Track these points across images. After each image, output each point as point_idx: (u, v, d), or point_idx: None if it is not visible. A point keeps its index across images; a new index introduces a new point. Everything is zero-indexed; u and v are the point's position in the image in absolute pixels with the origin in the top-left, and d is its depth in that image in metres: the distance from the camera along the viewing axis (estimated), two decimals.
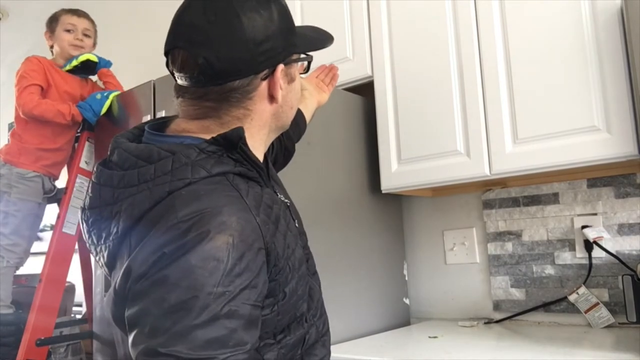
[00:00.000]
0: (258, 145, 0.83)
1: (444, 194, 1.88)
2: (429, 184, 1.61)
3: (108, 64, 2.14)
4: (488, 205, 1.78)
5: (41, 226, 2.19)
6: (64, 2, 2.29)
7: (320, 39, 0.92)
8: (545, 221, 1.66)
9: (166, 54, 0.79)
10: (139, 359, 0.63)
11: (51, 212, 2.11)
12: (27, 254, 2.05)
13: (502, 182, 1.70)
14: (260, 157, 0.85)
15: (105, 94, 1.94)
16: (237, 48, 0.74)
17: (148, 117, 1.68)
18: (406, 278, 1.91)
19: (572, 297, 1.56)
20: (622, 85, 1.28)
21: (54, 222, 2.00)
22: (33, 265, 2.12)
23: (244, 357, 0.65)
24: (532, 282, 1.67)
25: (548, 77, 1.39)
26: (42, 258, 1.91)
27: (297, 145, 1.30)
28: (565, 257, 1.62)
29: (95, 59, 2.09)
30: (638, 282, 1.37)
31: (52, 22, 2.12)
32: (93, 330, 1.82)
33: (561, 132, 1.36)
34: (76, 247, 1.97)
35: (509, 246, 1.73)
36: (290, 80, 0.84)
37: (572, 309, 1.57)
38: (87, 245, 0.77)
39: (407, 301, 1.88)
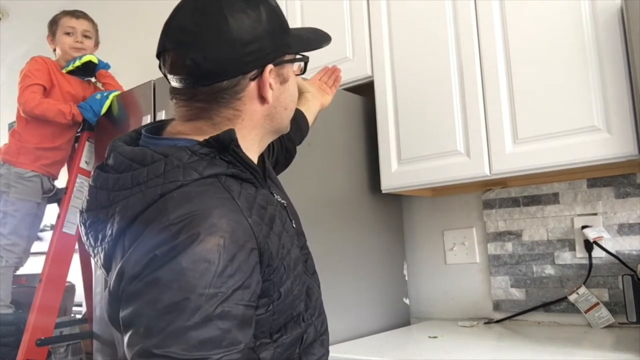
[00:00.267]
0: (250, 146, 0.83)
1: (444, 194, 1.88)
2: (429, 184, 1.61)
3: (107, 66, 2.14)
4: (488, 205, 1.78)
5: (41, 226, 2.20)
6: (64, 2, 2.29)
7: (315, 39, 0.91)
8: (545, 221, 1.66)
9: (158, 56, 0.81)
10: (134, 359, 0.64)
11: (51, 212, 2.11)
12: (26, 253, 2.05)
13: (502, 182, 1.70)
14: (255, 159, 0.85)
15: (105, 94, 1.94)
16: (223, 49, 0.76)
17: (148, 117, 1.68)
18: (406, 278, 1.90)
19: (572, 297, 1.56)
20: (622, 85, 1.27)
21: (54, 222, 2.00)
22: (33, 265, 2.12)
23: (238, 357, 0.65)
24: (532, 282, 1.67)
25: (548, 77, 1.39)
26: (42, 258, 1.91)
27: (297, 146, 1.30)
28: (565, 257, 1.62)
29: (95, 61, 2.10)
30: (638, 282, 1.37)
31: (53, 25, 2.13)
32: (93, 330, 1.82)
33: (561, 132, 1.36)
34: (76, 247, 1.97)
35: (509, 246, 1.73)
36: (283, 80, 0.84)
37: (572, 309, 1.57)
38: (86, 247, 0.78)
39: (407, 301, 1.88)
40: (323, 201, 1.61)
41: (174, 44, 0.77)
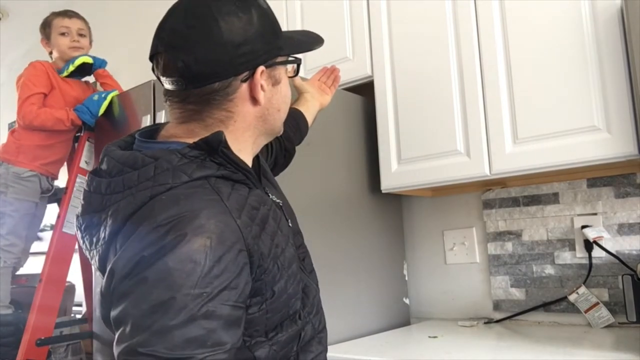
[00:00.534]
0: (244, 147, 0.84)
1: (444, 194, 1.88)
2: (429, 184, 1.61)
3: (103, 63, 2.12)
4: (488, 205, 1.78)
5: (41, 226, 2.19)
6: (64, 2, 2.29)
7: (306, 41, 0.92)
8: (545, 221, 1.66)
9: (150, 59, 0.82)
10: (120, 358, 0.65)
11: (51, 212, 2.11)
12: (25, 254, 2.05)
13: (502, 182, 1.70)
14: (249, 160, 0.85)
15: (103, 95, 1.93)
16: (214, 51, 0.77)
17: (148, 117, 1.68)
18: (406, 278, 1.91)
19: (572, 297, 1.56)
20: (622, 85, 1.27)
21: (54, 222, 2.00)
22: (33, 265, 2.12)
23: (223, 357, 0.66)
24: (532, 282, 1.67)
25: (548, 77, 1.39)
26: (42, 258, 1.91)
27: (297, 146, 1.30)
28: (565, 257, 1.62)
29: (90, 61, 2.08)
30: (638, 282, 1.37)
31: (46, 28, 2.11)
32: (93, 330, 1.82)
33: (561, 132, 1.36)
34: (76, 247, 1.97)
35: (509, 246, 1.73)
36: (275, 82, 0.85)
37: (572, 308, 1.57)
38: (83, 251, 0.79)
39: (407, 301, 1.88)
40: (323, 201, 1.61)
41: (166, 47, 0.78)
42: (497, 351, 1.33)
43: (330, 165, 1.66)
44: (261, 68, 0.81)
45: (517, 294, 1.70)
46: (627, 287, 1.39)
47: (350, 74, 1.76)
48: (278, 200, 0.91)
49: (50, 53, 2.13)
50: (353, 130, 1.76)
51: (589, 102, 1.32)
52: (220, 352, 0.65)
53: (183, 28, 0.78)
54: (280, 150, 1.23)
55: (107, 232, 0.72)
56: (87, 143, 2.01)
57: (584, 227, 1.57)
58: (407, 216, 1.97)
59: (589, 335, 1.43)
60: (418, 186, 1.63)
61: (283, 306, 0.78)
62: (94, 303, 1.84)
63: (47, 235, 2.13)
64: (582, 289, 1.54)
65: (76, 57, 2.05)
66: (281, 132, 0.92)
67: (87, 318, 2.02)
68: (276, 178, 1.25)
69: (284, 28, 0.97)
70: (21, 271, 2.08)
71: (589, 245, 1.55)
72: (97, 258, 0.75)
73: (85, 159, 2.00)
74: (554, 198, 1.65)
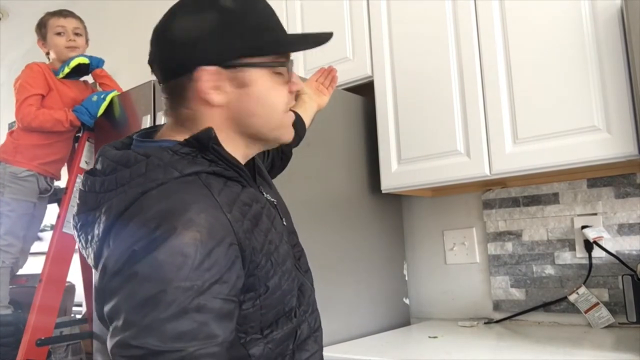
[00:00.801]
0: (233, 149, 0.82)
1: (444, 194, 1.88)
2: (428, 184, 1.61)
3: (100, 62, 2.11)
4: (488, 205, 1.78)
5: (41, 226, 2.19)
6: (64, 2, 2.29)
7: (288, 42, 0.87)
8: (545, 221, 1.66)
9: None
10: (113, 351, 0.66)
11: (51, 212, 2.11)
12: (24, 254, 2.04)
13: (502, 182, 1.70)
14: (241, 161, 0.85)
15: (102, 96, 1.93)
16: (167, 48, 0.81)
17: (148, 118, 1.67)
18: (406, 278, 1.91)
19: (572, 297, 1.56)
20: (622, 85, 1.27)
21: (54, 222, 2.00)
22: (33, 265, 2.12)
23: (215, 350, 0.66)
24: (532, 282, 1.67)
25: (548, 77, 1.39)
26: (42, 258, 1.91)
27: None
28: (565, 257, 1.62)
29: (86, 61, 2.06)
30: (638, 282, 1.37)
31: (41, 28, 2.10)
32: (93, 330, 1.82)
33: (561, 132, 1.36)
34: (76, 247, 1.96)
35: (509, 246, 1.73)
36: (241, 85, 0.81)
37: (572, 309, 1.57)
38: (80, 249, 0.80)
39: (407, 301, 1.88)
40: (323, 201, 1.61)
41: (150, 46, 0.84)
42: (497, 351, 1.33)
43: (330, 165, 1.66)
44: (206, 68, 0.79)
45: (517, 294, 1.70)
46: (627, 287, 1.39)
47: (350, 74, 1.76)
48: (272, 199, 0.91)
49: (47, 54, 2.12)
50: (353, 130, 1.76)
51: (589, 102, 1.32)
52: (212, 345, 0.66)
53: (158, 26, 0.83)
54: (277, 153, 1.23)
55: (100, 229, 0.73)
56: (87, 143, 2.01)
57: (584, 227, 1.57)
58: (407, 216, 1.97)
59: (589, 336, 1.43)
60: (418, 186, 1.63)
61: (278, 303, 0.79)
62: (94, 303, 1.84)
63: (47, 235, 2.13)
64: (582, 289, 1.54)
65: (72, 58, 2.04)
66: (285, 141, 0.89)
67: (87, 318, 2.02)
68: (276, 178, 1.25)
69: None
70: (21, 271, 2.08)
71: (589, 245, 1.55)
72: (92, 256, 0.76)
73: (86, 159, 1.99)
74: (554, 198, 1.65)
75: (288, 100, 0.87)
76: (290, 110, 1.35)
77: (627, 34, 1.26)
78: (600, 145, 1.30)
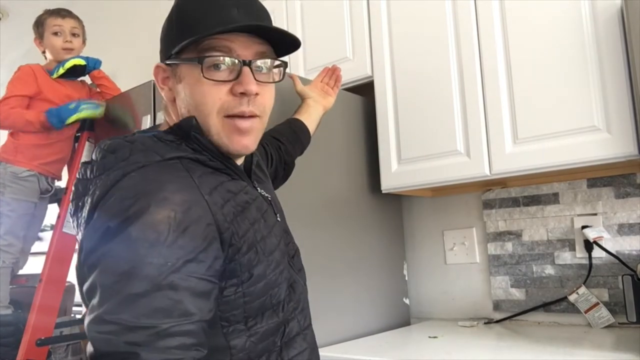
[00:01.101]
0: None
1: (444, 194, 1.88)
2: (428, 184, 1.61)
3: (97, 63, 2.09)
4: (488, 205, 1.78)
5: (42, 226, 2.19)
6: (64, 2, 2.28)
7: (192, 32, 0.80)
8: (545, 221, 1.66)
9: None
10: (88, 327, 0.66)
11: (51, 212, 2.11)
12: (24, 254, 2.04)
13: (502, 182, 1.70)
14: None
15: (80, 107, 1.90)
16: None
17: (148, 118, 1.68)
18: (406, 278, 1.90)
19: (572, 297, 1.56)
20: (622, 85, 1.27)
21: (54, 222, 2.00)
22: (33, 265, 2.12)
23: (190, 328, 0.66)
24: (532, 282, 1.67)
25: (548, 77, 1.39)
26: (42, 258, 1.91)
27: None
28: (565, 257, 1.62)
29: (82, 63, 2.05)
30: (638, 282, 1.37)
31: (39, 27, 2.09)
32: None
33: (561, 132, 1.36)
34: (76, 247, 1.96)
35: (509, 246, 1.73)
36: (179, 80, 0.82)
37: (572, 309, 1.57)
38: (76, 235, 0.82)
39: (407, 301, 1.88)
40: (323, 201, 1.61)
41: None
42: (497, 351, 1.33)
43: (330, 165, 1.66)
44: (156, 64, 0.85)
45: (517, 294, 1.70)
46: (627, 287, 1.39)
47: (350, 74, 1.76)
48: (267, 195, 0.91)
49: (44, 52, 2.12)
50: (353, 130, 1.76)
51: (589, 102, 1.32)
52: (186, 322, 0.66)
53: None
54: (280, 162, 1.23)
55: (86, 212, 0.74)
56: (87, 143, 2.01)
57: (584, 227, 1.57)
58: (407, 216, 1.97)
59: (589, 336, 1.43)
60: (418, 186, 1.63)
61: (262, 293, 0.78)
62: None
63: (47, 235, 2.13)
64: (582, 289, 1.54)
65: (68, 59, 2.03)
66: (231, 152, 0.82)
67: None
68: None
69: (283, 28, 0.94)
70: (21, 271, 2.08)
71: (589, 245, 1.55)
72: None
73: (85, 159, 1.99)
74: (554, 198, 1.65)
75: (227, 101, 0.79)
76: (295, 118, 1.35)
77: (627, 34, 1.26)
78: (600, 145, 1.30)
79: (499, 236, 1.75)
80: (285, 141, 1.26)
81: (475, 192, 1.82)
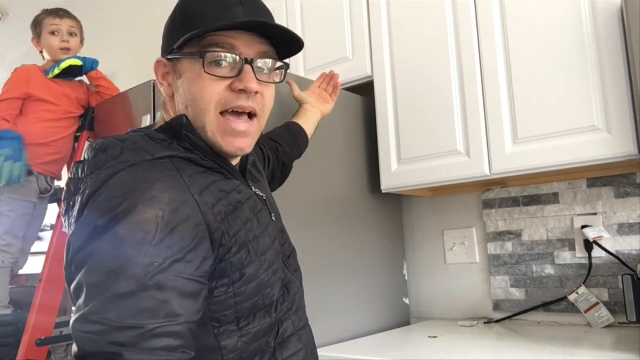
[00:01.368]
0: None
1: (444, 194, 1.88)
2: (428, 184, 1.61)
3: (95, 64, 2.08)
4: (488, 205, 1.78)
5: (42, 226, 2.19)
6: (63, 2, 2.29)
7: (193, 27, 0.80)
8: (545, 221, 1.66)
9: None
10: (73, 326, 0.65)
11: (51, 212, 2.11)
12: (24, 254, 2.04)
13: (502, 182, 1.70)
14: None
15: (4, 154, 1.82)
16: None
17: (148, 117, 1.68)
18: (406, 278, 1.90)
19: (572, 297, 1.56)
20: (622, 85, 1.27)
21: (54, 222, 2.00)
22: (33, 265, 2.12)
23: (177, 330, 0.65)
24: (532, 282, 1.67)
25: (548, 77, 1.39)
26: (42, 258, 1.91)
27: None
28: (565, 257, 1.62)
29: (79, 63, 2.04)
30: (638, 282, 1.37)
31: (36, 26, 2.09)
32: None
33: (561, 132, 1.36)
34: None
35: (509, 246, 1.73)
36: (179, 75, 0.83)
37: (572, 308, 1.57)
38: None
39: (407, 301, 1.88)
40: (323, 201, 1.61)
41: None
42: (497, 351, 1.33)
43: (330, 165, 1.66)
44: (156, 59, 0.85)
45: (517, 294, 1.70)
46: (627, 287, 1.39)
47: (350, 74, 1.76)
48: (262, 194, 0.90)
49: (41, 52, 2.11)
50: (353, 130, 1.76)
51: (589, 102, 1.32)
52: (172, 324, 0.65)
53: None
54: (277, 164, 1.23)
55: (76, 211, 0.74)
56: (87, 143, 2.01)
57: (584, 227, 1.57)
58: (407, 216, 1.97)
59: (589, 335, 1.43)
60: (418, 186, 1.63)
61: (254, 293, 0.77)
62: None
63: (47, 235, 2.13)
64: (582, 289, 1.54)
65: (64, 60, 2.02)
66: (225, 152, 0.81)
67: None
68: None
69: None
70: (21, 271, 2.08)
71: (589, 245, 1.55)
72: None
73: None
74: (554, 198, 1.65)
75: (225, 96, 0.79)
76: (293, 122, 1.35)
77: (627, 34, 1.26)
78: (600, 145, 1.30)
79: (499, 236, 1.75)
80: (284, 144, 1.26)
81: (475, 192, 1.82)
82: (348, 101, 1.77)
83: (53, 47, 2.06)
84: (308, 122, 1.37)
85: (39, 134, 1.96)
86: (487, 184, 1.72)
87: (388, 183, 1.69)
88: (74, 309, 0.68)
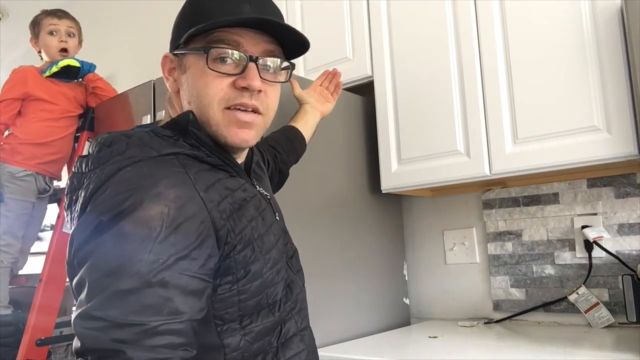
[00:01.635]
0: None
1: (444, 194, 1.88)
2: (428, 184, 1.61)
3: (92, 67, 2.09)
4: (488, 205, 1.78)
5: (41, 226, 2.19)
6: (63, 2, 2.29)
7: (199, 23, 0.80)
8: (545, 221, 1.66)
9: None
10: (74, 322, 0.65)
11: (51, 212, 2.11)
12: (23, 254, 2.04)
13: (502, 182, 1.70)
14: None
15: None
16: None
17: (148, 117, 1.68)
18: (406, 278, 1.90)
19: (572, 297, 1.56)
20: (622, 85, 1.27)
21: (54, 222, 2.00)
22: (33, 265, 2.12)
23: (179, 327, 0.65)
24: (532, 282, 1.67)
25: (548, 77, 1.39)
26: (42, 258, 1.91)
27: None
28: (565, 257, 1.62)
29: (76, 64, 2.05)
30: (638, 282, 1.37)
31: (35, 26, 2.09)
32: None
33: (561, 132, 1.36)
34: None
35: (509, 246, 1.73)
36: (183, 71, 0.83)
37: (572, 309, 1.57)
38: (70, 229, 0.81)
39: (407, 301, 1.88)
40: (323, 201, 1.61)
41: None
42: (497, 351, 1.33)
43: (330, 165, 1.66)
44: (163, 54, 0.85)
45: (517, 294, 1.70)
46: (627, 287, 1.39)
47: (350, 74, 1.76)
48: (266, 193, 0.90)
49: (39, 52, 2.11)
50: (353, 130, 1.76)
51: (589, 102, 1.32)
52: (175, 321, 0.64)
53: None
54: (275, 170, 1.23)
55: (79, 206, 0.73)
56: (87, 143, 2.01)
57: (584, 227, 1.57)
58: (407, 216, 1.97)
59: (589, 336, 1.43)
60: (418, 186, 1.63)
61: (258, 292, 0.77)
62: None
63: (47, 235, 2.13)
64: (582, 289, 1.54)
65: (58, 61, 2.03)
66: (229, 143, 0.81)
67: None
68: None
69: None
70: (21, 271, 2.08)
71: (589, 245, 1.55)
72: None
73: None
74: (554, 198, 1.65)
75: (228, 93, 0.79)
76: (290, 126, 1.34)
77: (627, 34, 1.26)
78: (600, 145, 1.30)
79: (499, 236, 1.75)
80: (282, 150, 1.25)
81: (475, 192, 1.82)
82: (348, 101, 1.77)
83: (51, 47, 2.06)
84: (307, 124, 1.36)
85: (38, 133, 1.96)
86: (487, 184, 1.72)
87: (388, 183, 1.69)
88: (74, 308, 0.67)
